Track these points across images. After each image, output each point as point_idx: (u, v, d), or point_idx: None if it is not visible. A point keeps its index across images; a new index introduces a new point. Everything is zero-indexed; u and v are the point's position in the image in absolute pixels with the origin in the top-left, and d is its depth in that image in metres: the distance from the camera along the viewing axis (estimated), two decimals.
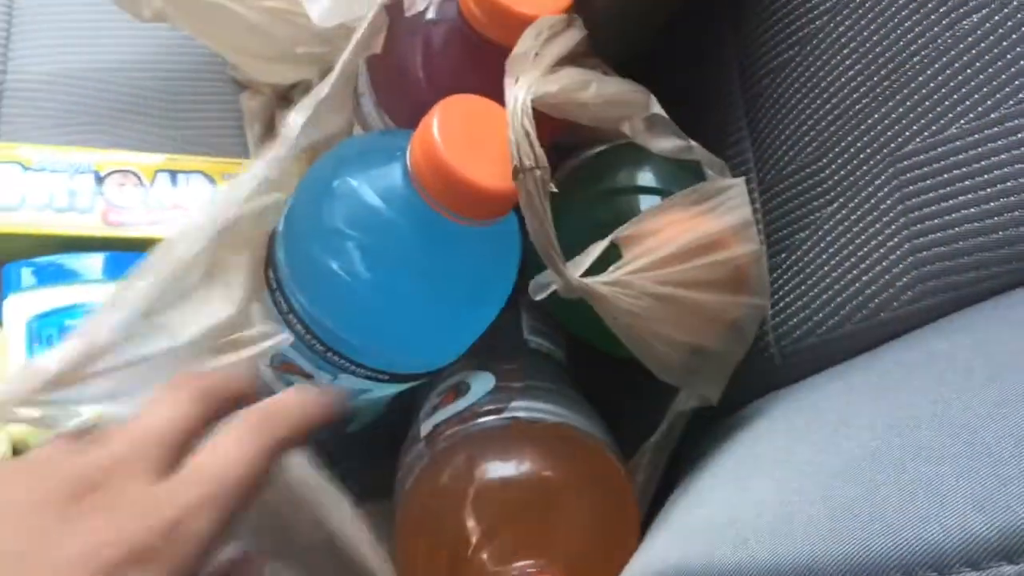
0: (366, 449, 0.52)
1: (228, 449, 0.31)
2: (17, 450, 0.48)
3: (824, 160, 0.44)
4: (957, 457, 0.25)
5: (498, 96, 0.44)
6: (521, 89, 0.37)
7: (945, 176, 0.38)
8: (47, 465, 0.30)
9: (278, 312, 0.42)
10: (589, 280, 0.38)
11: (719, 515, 0.34)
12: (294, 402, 0.32)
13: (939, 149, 0.39)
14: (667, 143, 0.44)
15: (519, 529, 0.39)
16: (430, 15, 0.44)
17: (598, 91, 0.41)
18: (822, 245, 0.44)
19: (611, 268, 0.39)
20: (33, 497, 0.29)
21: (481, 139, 0.37)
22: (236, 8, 0.49)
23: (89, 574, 0.28)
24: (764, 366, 0.46)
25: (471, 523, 0.39)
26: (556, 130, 0.44)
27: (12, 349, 0.47)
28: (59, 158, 0.53)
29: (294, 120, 0.41)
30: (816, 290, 0.44)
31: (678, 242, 0.39)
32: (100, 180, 0.53)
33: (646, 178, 0.45)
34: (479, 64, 0.43)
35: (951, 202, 0.38)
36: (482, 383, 0.44)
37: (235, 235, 0.41)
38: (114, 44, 0.62)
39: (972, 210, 0.37)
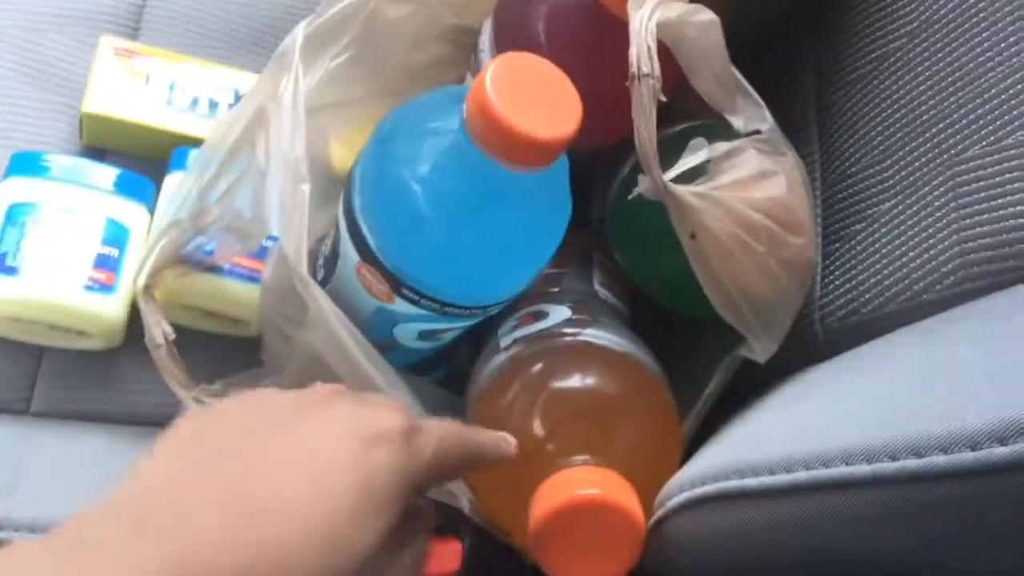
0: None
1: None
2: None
3: (887, 162, 0.50)
4: (994, 371, 0.31)
5: (612, 65, 0.49)
6: (647, 10, 0.42)
7: (997, 179, 0.44)
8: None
9: (353, 246, 0.47)
10: (680, 188, 0.43)
11: (769, 427, 0.38)
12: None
13: (995, 156, 0.44)
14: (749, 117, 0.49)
15: (581, 431, 0.43)
16: None
17: (703, 31, 0.45)
18: (875, 236, 0.49)
19: (700, 180, 0.43)
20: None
21: (533, 92, 0.39)
22: None
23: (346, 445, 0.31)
24: (806, 341, 0.51)
25: (541, 419, 0.44)
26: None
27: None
28: (206, 72, 0.60)
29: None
30: (865, 275, 0.49)
31: (760, 171, 0.44)
32: (239, 98, 0.59)
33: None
34: (599, 36, 0.48)
35: (1000, 201, 0.43)
36: (559, 313, 0.49)
37: None
38: None
39: (1019, 208, 0.42)
